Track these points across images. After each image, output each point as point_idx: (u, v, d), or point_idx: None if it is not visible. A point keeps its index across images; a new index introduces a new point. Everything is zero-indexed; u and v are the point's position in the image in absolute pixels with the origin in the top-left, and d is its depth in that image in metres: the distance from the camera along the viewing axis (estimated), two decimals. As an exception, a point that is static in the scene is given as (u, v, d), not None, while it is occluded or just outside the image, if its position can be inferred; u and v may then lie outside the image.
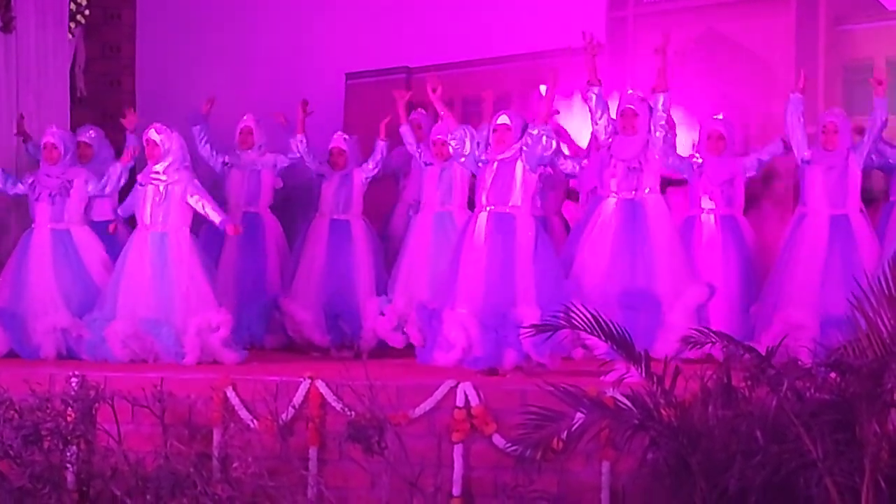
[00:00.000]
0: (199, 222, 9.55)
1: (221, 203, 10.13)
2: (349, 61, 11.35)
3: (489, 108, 9.25)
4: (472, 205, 8.84)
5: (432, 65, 11.09)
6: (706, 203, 9.22)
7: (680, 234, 8.67)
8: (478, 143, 8.34)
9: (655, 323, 7.69)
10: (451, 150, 8.49)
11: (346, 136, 10.01)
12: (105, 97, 11.79)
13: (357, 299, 9.69)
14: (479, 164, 8.30)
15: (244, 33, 11.57)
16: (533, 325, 7.27)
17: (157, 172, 9.08)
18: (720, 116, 9.36)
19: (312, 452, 7.46)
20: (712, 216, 9.21)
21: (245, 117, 10.25)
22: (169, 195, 9.06)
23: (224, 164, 10.17)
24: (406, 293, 9.27)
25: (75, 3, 11.25)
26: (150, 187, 9.09)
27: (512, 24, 10.82)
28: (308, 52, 11.39)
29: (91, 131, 10.26)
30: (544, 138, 8.13)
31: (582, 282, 7.97)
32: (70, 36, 11.26)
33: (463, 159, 8.41)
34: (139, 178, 9.26)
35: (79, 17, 11.32)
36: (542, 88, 10.64)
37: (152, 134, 9.09)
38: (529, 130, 8.16)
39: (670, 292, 8.12)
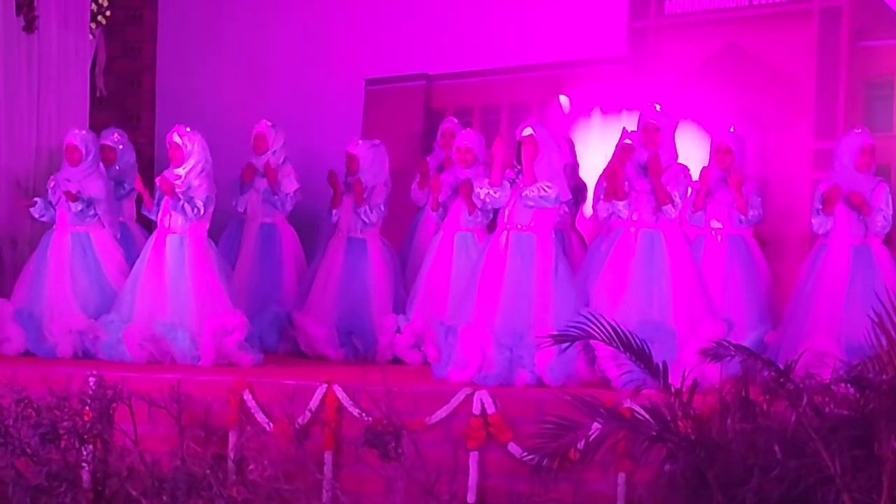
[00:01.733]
0: (219, 228, 9.57)
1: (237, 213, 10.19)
2: (369, 67, 11.35)
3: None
4: (492, 227, 8.86)
5: (452, 72, 11.15)
6: (714, 224, 9.22)
7: (698, 267, 8.59)
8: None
9: (669, 357, 7.62)
10: (481, 196, 8.41)
11: (359, 142, 9.98)
12: (126, 97, 11.83)
13: (371, 316, 9.67)
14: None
15: (265, 37, 11.59)
16: (551, 336, 7.26)
17: (178, 176, 9.08)
18: (732, 129, 9.35)
19: (328, 457, 7.47)
20: (719, 236, 9.21)
21: (259, 122, 10.23)
22: (187, 197, 9.06)
23: (242, 184, 10.16)
24: (425, 312, 9.23)
25: (97, 3, 11.29)
26: None
27: (532, 33, 10.82)
28: (328, 56, 11.40)
29: (115, 134, 10.26)
30: (538, 199, 8.11)
31: (599, 311, 7.90)
32: (91, 36, 11.31)
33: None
34: (158, 180, 9.25)
35: (100, 17, 11.36)
36: (563, 99, 10.75)
37: (174, 137, 9.09)
38: (524, 193, 8.12)
39: (686, 327, 8.08)
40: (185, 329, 8.84)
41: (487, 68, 11.04)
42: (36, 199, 9.68)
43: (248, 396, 7.65)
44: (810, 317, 8.52)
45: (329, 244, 9.91)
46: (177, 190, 9.00)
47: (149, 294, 8.99)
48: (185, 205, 8.96)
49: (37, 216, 9.63)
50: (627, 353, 6.75)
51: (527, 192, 8.08)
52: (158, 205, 9.17)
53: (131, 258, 9.37)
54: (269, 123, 10.21)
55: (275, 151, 10.16)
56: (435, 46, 11.10)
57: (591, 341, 7.20)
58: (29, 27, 10.65)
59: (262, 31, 11.62)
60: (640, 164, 8.30)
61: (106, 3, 11.34)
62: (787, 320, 8.73)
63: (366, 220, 9.73)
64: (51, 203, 9.52)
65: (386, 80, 11.36)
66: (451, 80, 11.16)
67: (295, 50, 11.51)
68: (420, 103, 11.26)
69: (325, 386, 7.55)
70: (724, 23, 10.26)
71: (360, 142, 9.96)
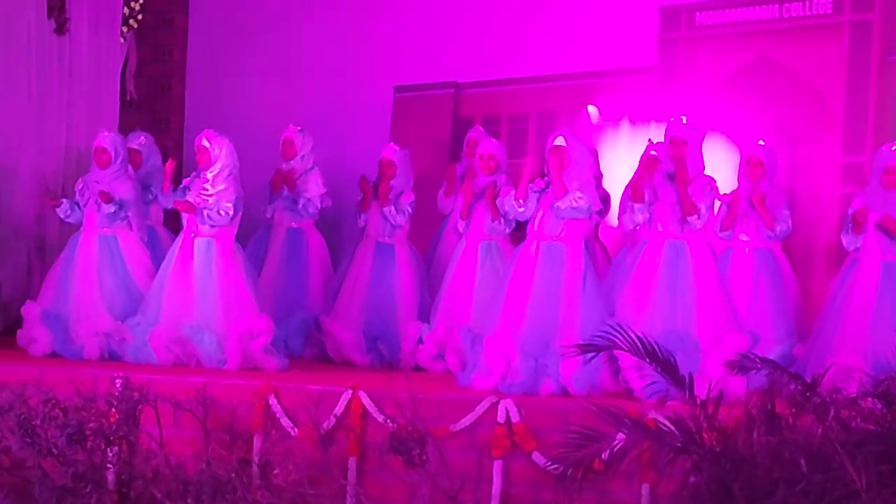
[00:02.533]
0: (246, 233, 9.59)
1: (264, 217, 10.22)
2: (398, 74, 11.37)
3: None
4: (514, 238, 8.87)
5: (481, 81, 11.16)
6: (742, 236, 9.21)
7: (723, 279, 8.58)
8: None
9: (693, 367, 7.59)
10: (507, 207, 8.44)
11: (397, 149, 9.98)
12: (155, 101, 11.87)
13: (397, 322, 9.68)
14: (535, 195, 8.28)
15: (294, 43, 11.62)
16: (576, 345, 7.26)
17: (206, 180, 9.11)
18: (762, 142, 9.32)
19: (352, 462, 7.48)
20: (747, 249, 9.20)
21: (287, 128, 10.24)
22: (215, 203, 9.08)
23: (272, 191, 10.18)
24: (447, 321, 9.21)
25: (129, 7, 11.36)
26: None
27: (562, 42, 10.82)
28: (357, 63, 11.42)
29: (141, 137, 10.27)
30: (570, 210, 8.11)
31: (624, 321, 7.89)
32: (122, 40, 11.37)
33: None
34: (186, 183, 9.29)
35: (131, 21, 11.41)
36: (591, 109, 10.74)
37: (203, 141, 9.11)
38: (556, 204, 8.13)
39: (710, 338, 8.06)
40: (212, 332, 8.87)
41: (516, 77, 11.03)
42: (62, 199, 9.72)
43: (273, 401, 7.67)
44: (838, 332, 8.49)
45: (357, 249, 9.92)
46: (200, 198, 9.03)
47: (175, 297, 9.03)
48: (211, 213, 8.98)
49: (62, 217, 9.67)
50: (653, 364, 6.74)
51: (558, 203, 8.08)
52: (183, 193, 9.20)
53: (158, 262, 9.39)
54: (297, 128, 10.22)
55: (303, 156, 10.17)
56: (464, 55, 11.11)
57: (615, 352, 7.20)
58: (60, 30, 10.72)
59: (292, 37, 11.64)
60: (668, 173, 8.29)
61: (138, 8, 11.40)
62: (815, 334, 8.71)
63: (392, 221, 9.74)
64: (77, 204, 9.56)
65: (415, 87, 11.38)
66: (479, 89, 11.16)
67: (324, 56, 11.53)
68: (448, 111, 11.27)
69: (350, 391, 7.56)
70: (755, 35, 10.23)
71: (397, 149, 9.96)
